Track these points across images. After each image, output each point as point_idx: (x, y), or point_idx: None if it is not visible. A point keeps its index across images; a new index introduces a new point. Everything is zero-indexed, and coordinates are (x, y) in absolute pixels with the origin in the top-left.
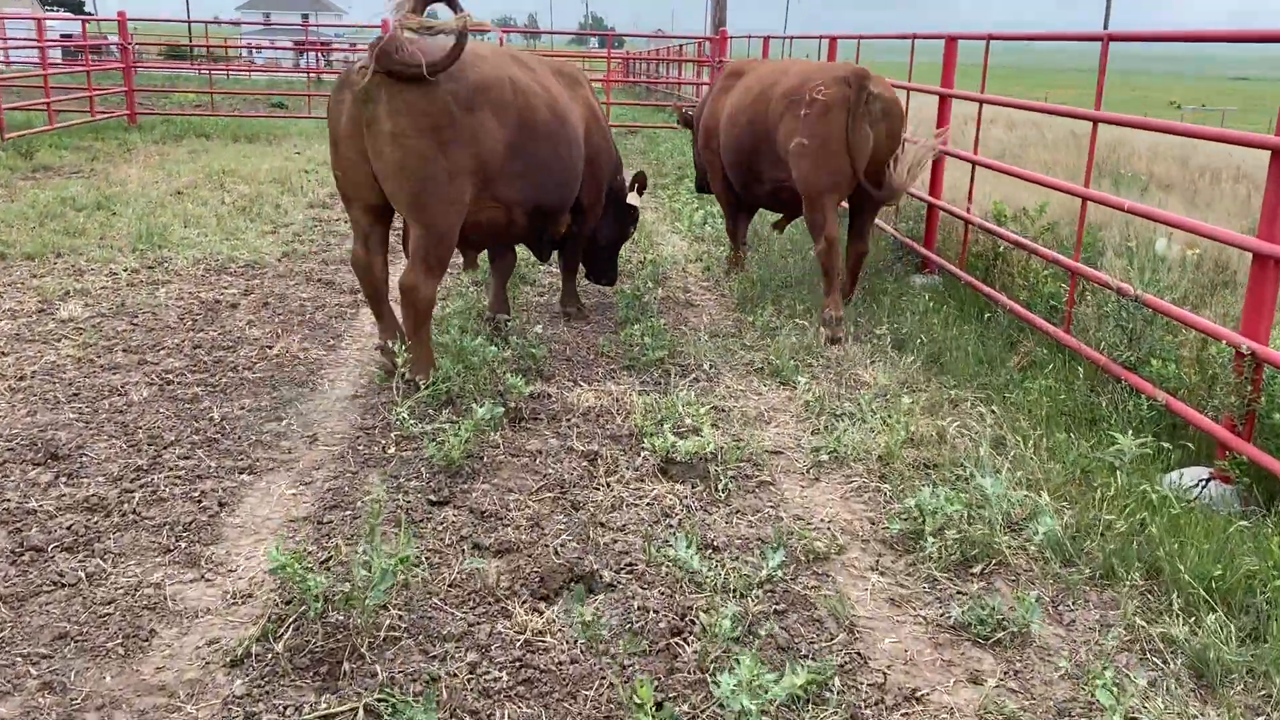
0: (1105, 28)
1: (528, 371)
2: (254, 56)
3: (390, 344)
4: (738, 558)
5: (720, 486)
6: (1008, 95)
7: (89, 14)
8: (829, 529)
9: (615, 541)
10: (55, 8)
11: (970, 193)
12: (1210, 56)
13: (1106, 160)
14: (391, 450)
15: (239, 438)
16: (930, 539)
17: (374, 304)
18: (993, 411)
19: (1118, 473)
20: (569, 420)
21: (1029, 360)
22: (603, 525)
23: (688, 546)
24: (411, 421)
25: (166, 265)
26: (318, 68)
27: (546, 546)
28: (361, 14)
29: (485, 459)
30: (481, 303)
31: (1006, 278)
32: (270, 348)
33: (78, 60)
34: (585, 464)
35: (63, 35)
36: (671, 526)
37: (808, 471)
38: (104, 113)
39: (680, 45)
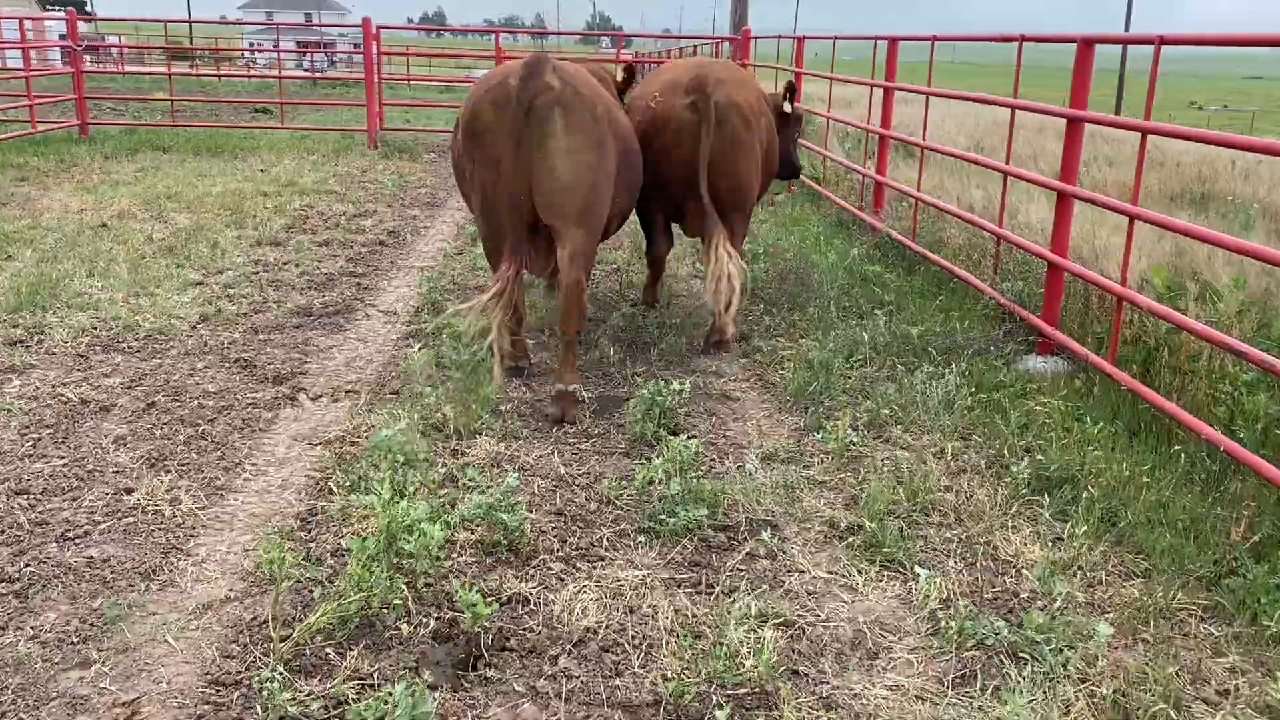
0: (1127, 24)
1: (495, 551)
2: (254, 58)
3: (521, 362)
4: None
5: None
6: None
7: (90, 14)
8: None
9: None
10: (55, 7)
11: (1126, 257)
12: (1222, 56)
13: (1195, 181)
14: None
15: None
16: None
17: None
18: (1242, 648)
19: None
20: (555, 662)
21: (1256, 533)
22: None
23: None
24: (286, 695)
25: (40, 340)
26: (314, 70)
27: None
28: (367, 12)
29: None
30: (436, 413)
31: (1181, 377)
32: (130, 491)
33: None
34: None
35: (61, 36)
36: None
37: None
38: (49, 124)
39: (695, 46)
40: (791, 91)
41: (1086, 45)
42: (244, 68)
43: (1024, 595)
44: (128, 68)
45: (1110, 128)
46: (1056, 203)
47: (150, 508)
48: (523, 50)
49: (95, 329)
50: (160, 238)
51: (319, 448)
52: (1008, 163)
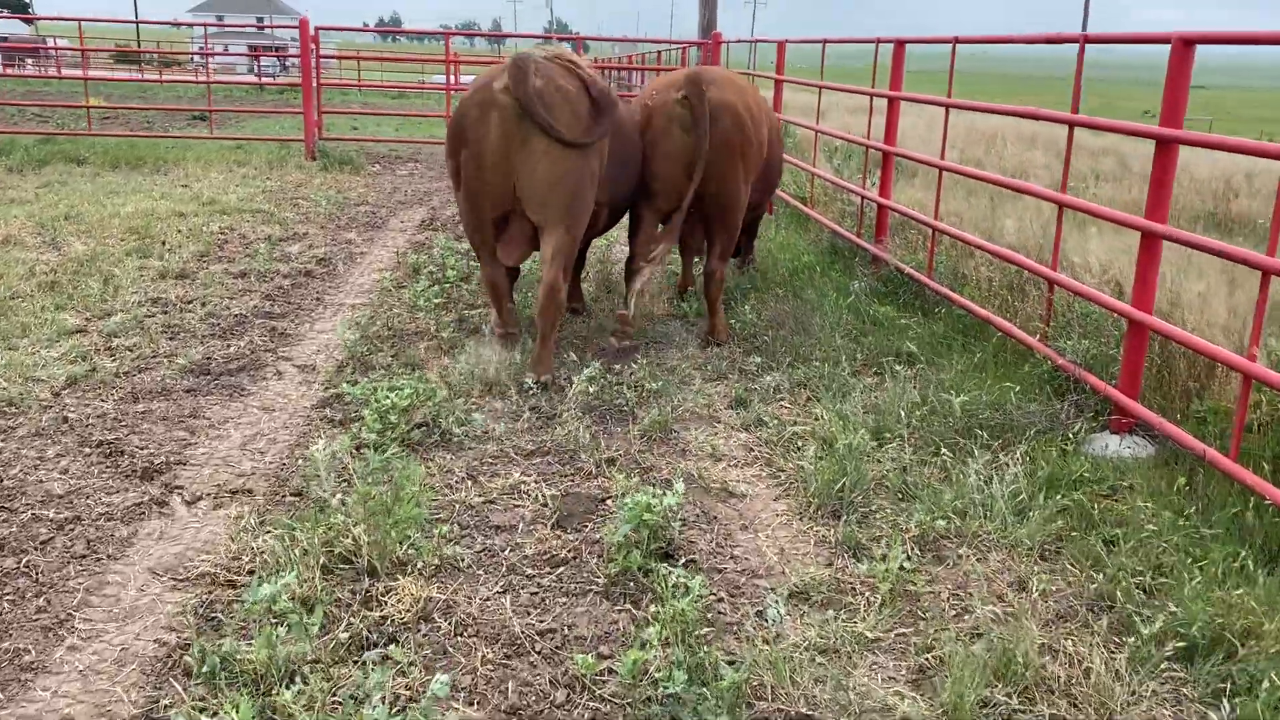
0: (1084, 28)
1: None
2: (203, 62)
3: (508, 332)
4: None
5: None
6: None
7: (34, 15)
8: None
9: None
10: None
11: (1258, 327)
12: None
13: (1215, 200)
14: None
15: None
16: None
17: (500, 305)
18: None
19: None
20: None
21: None
22: None
23: None
24: None
25: None
26: (262, 75)
27: None
28: (322, 16)
29: None
30: (346, 538)
31: None
32: None
33: (15, 63)
34: None
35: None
36: None
37: None
38: None
39: (659, 52)
40: None
41: (1185, 45)
42: (193, 72)
43: None
44: (73, 72)
45: (1199, 147)
46: (1140, 246)
47: None
48: (479, 55)
49: None
50: (45, 270)
51: (183, 589)
52: (1063, 190)
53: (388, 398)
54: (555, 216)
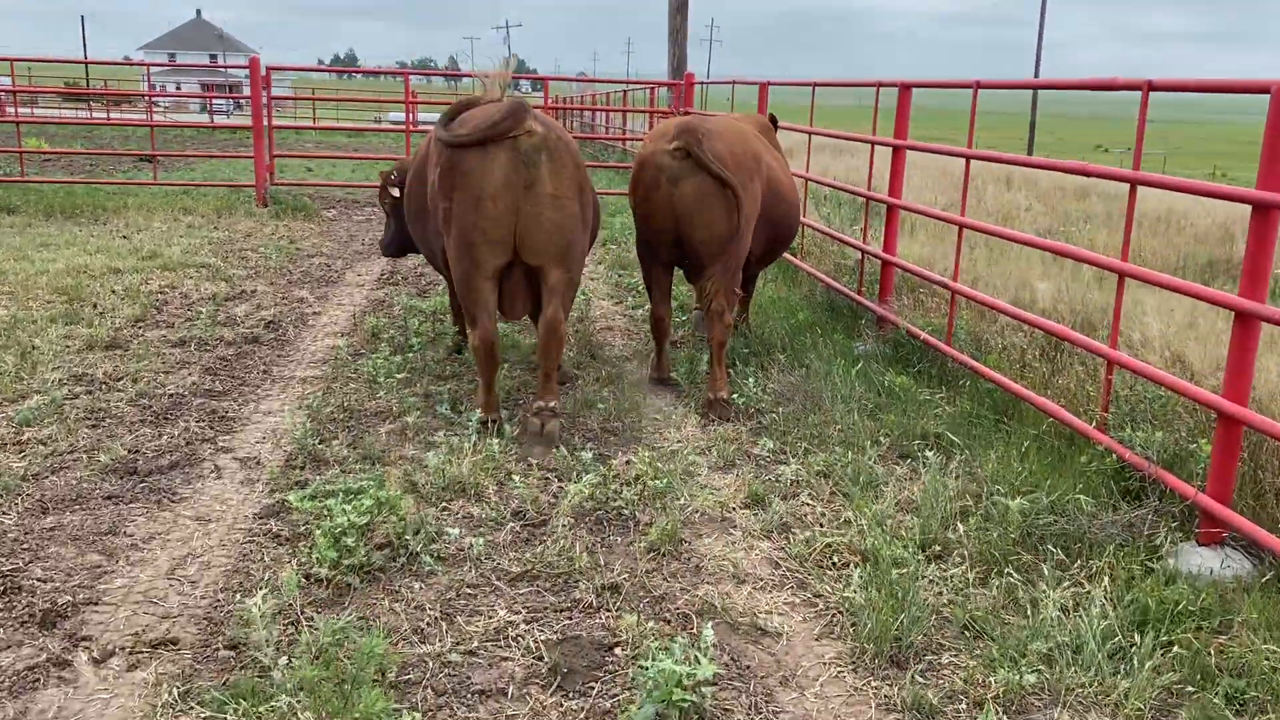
0: (1036, 71)
1: None
2: (156, 101)
3: (490, 419)
4: None
5: None
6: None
7: None
8: None
9: None
10: None
11: None
12: (1121, 100)
13: (1212, 247)
14: None
15: None
16: None
17: (489, 378)
18: None
19: None
20: None
21: None
22: None
23: None
24: None
25: None
26: (212, 116)
27: None
28: (277, 54)
29: None
30: None
31: None
32: None
33: None
34: None
35: None
36: None
37: None
38: None
39: (625, 91)
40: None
41: None
42: (144, 110)
43: None
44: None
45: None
46: (1234, 327)
47: None
48: (436, 94)
49: None
50: None
51: None
52: (1125, 257)
53: (343, 513)
54: (556, 258)
